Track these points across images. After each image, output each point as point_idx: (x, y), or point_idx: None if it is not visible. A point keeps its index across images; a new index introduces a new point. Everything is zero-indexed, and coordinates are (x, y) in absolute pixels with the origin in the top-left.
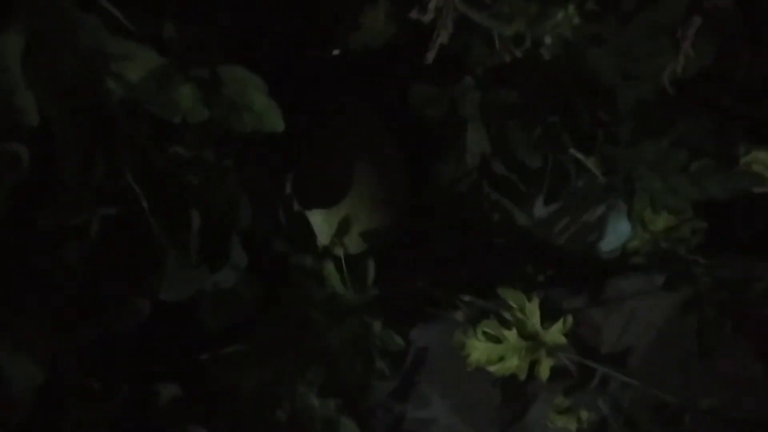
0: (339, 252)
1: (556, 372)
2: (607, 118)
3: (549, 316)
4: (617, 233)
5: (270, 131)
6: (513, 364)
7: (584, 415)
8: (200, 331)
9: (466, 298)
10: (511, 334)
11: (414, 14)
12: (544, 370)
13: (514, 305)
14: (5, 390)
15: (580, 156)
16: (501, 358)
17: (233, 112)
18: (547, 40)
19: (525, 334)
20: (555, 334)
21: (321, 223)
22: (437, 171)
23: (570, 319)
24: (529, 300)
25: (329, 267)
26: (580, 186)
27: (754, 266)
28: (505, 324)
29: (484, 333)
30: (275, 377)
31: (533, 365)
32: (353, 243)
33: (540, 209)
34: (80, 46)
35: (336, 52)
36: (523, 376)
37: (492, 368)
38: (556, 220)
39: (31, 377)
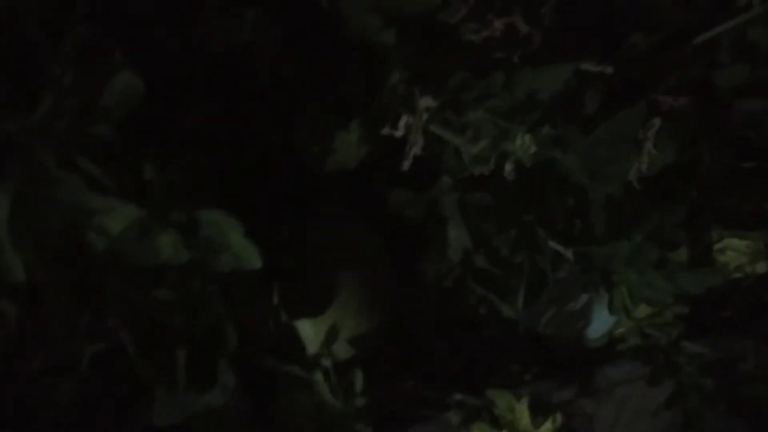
0: (326, 362)
1: None
2: (580, 214)
3: (539, 410)
4: (603, 319)
5: (248, 269)
6: None
7: None
8: None
9: (458, 396)
10: None
11: (386, 131)
12: None
13: (504, 407)
14: None
15: (559, 248)
16: None
17: (212, 254)
18: (508, 167)
19: None
20: (545, 430)
21: (309, 331)
22: (422, 269)
23: (559, 417)
24: (518, 400)
25: (317, 376)
26: (562, 276)
27: (739, 345)
28: (497, 424)
29: None
30: None
31: None
32: (341, 349)
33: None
34: (62, 204)
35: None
36: None
37: None
38: (542, 310)
39: None
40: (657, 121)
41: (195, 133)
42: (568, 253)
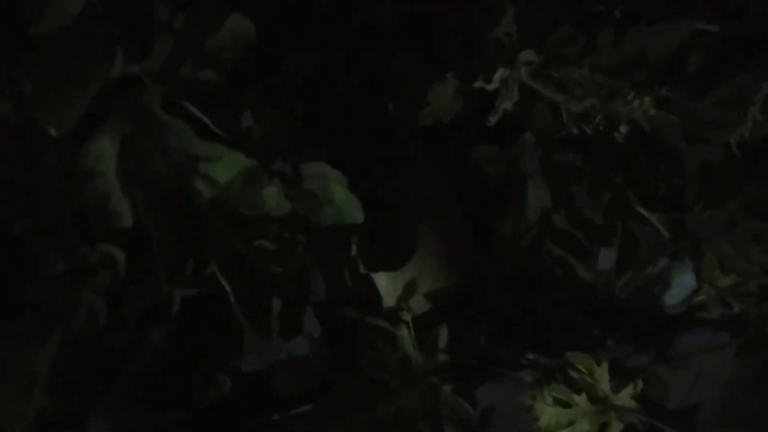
0: (407, 316)
1: (626, 429)
2: (673, 179)
3: (616, 374)
4: (682, 286)
5: (350, 223)
6: (583, 428)
7: None
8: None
9: (531, 356)
10: (581, 399)
11: (479, 84)
12: None
13: (583, 369)
14: None
15: (645, 213)
16: (571, 423)
17: (315, 206)
18: (623, 129)
19: (594, 399)
20: (625, 398)
21: (386, 285)
22: (499, 227)
23: (640, 383)
24: (598, 364)
25: (402, 331)
26: (647, 244)
27: None
28: (572, 385)
29: (553, 397)
30: None
31: (603, 427)
32: (418, 303)
33: (603, 263)
34: (169, 150)
35: None
36: None
37: (561, 430)
38: (621, 274)
39: None
40: (766, 86)
41: (292, 81)
42: (654, 218)
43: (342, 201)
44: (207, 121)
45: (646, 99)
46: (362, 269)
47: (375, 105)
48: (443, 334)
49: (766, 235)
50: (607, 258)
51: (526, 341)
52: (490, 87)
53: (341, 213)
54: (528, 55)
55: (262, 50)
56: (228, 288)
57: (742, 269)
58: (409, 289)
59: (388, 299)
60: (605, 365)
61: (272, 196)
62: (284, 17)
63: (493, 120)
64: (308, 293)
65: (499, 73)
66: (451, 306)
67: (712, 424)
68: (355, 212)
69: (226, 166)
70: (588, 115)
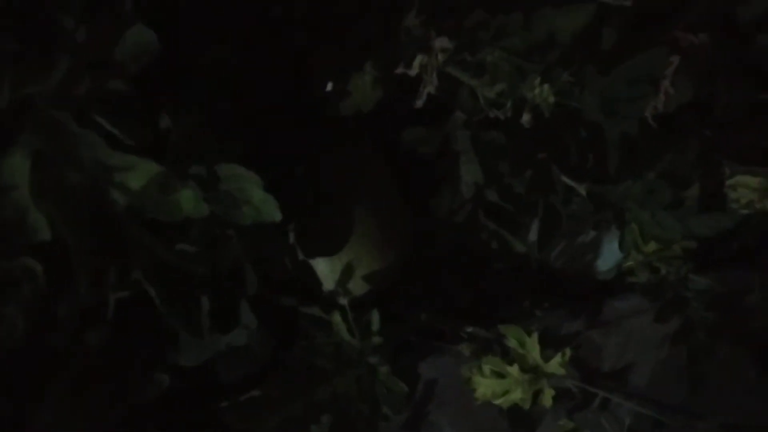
0: (343, 300)
1: (560, 394)
2: (594, 151)
3: (549, 342)
4: (612, 252)
5: (269, 222)
6: (517, 396)
7: None
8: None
9: (470, 329)
10: (513, 369)
11: (400, 70)
12: (546, 399)
13: (514, 341)
14: None
15: (572, 184)
16: (505, 392)
17: (233, 207)
18: (525, 116)
19: (526, 368)
20: (555, 366)
21: (325, 270)
22: (435, 204)
23: (568, 350)
24: (529, 335)
25: (336, 316)
26: (573, 210)
27: (746, 277)
28: (508, 356)
29: (488, 368)
30: (287, 424)
31: (537, 394)
32: (357, 286)
33: (536, 234)
34: (82, 162)
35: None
36: (527, 407)
37: (497, 401)
38: (553, 244)
39: None
40: (676, 59)
41: (209, 78)
42: (582, 190)
43: (259, 201)
44: (115, 132)
45: (546, 87)
46: (301, 256)
47: (300, 95)
48: (375, 318)
49: (681, 203)
50: (545, 233)
51: (466, 315)
52: (412, 73)
53: (259, 212)
54: (442, 42)
55: (178, 50)
56: (152, 293)
57: (660, 236)
58: (347, 273)
59: (328, 283)
60: (535, 335)
61: (188, 200)
62: (200, 15)
63: (419, 104)
64: (242, 287)
65: (418, 60)
66: (392, 285)
67: (643, 384)
68: (272, 211)
69: (139, 175)
70: (499, 101)
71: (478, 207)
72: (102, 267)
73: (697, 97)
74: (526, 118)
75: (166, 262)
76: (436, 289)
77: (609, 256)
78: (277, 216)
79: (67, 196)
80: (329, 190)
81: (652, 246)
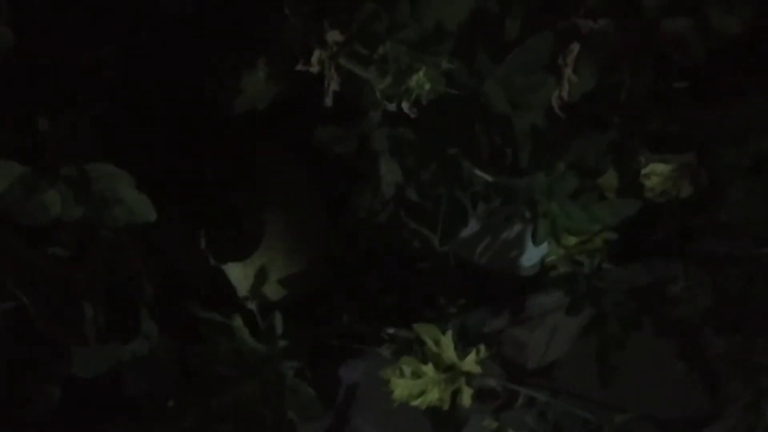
0: (252, 305)
1: (485, 393)
2: (505, 144)
3: (472, 340)
4: (537, 248)
5: (143, 222)
6: (434, 397)
7: None
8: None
9: (391, 330)
10: (429, 368)
11: (300, 67)
12: (465, 399)
13: (429, 340)
14: None
15: (487, 179)
16: (422, 392)
17: (104, 208)
18: (405, 105)
19: (442, 367)
20: (470, 363)
21: (238, 275)
22: (354, 205)
23: (483, 347)
24: (443, 333)
25: (237, 320)
26: (498, 205)
27: (669, 268)
28: (426, 357)
29: (405, 369)
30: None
31: (456, 394)
32: (273, 290)
33: (463, 232)
34: None
35: None
36: (446, 407)
37: (415, 402)
38: (478, 241)
39: None
40: (576, 46)
41: (92, 79)
42: (496, 183)
43: (132, 201)
44: None
45: (421, 74)
46: (211, 266)
47: (196, 96)
48: (278, 321)
49: (584, 193)
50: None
51: (387, 316)
52: (312, 69)
53: (132, 213)
54: (334, 35)
55: (60, 48)
56: (25, 301)
57: (570, 227)
58: (260, 277)
59: (242, 289)
60: (449, 333)
61: (55, 202)
62: (84, 13)
63: (329, 102)
64: (140, 295)
65: (316, 55)
66: (311, 289)
67: (568, 379)
68: (146, 211)
69: (3, 177)
70: (390, 92)
71: (399, 206)
72: None
73: (604, 86)
74: (405, 106)
75: (38, 268)
76: (358, 291)
77: (533, 252)
78: (151, 216)
79: None
80: (239, 193)
81: (572, 239)
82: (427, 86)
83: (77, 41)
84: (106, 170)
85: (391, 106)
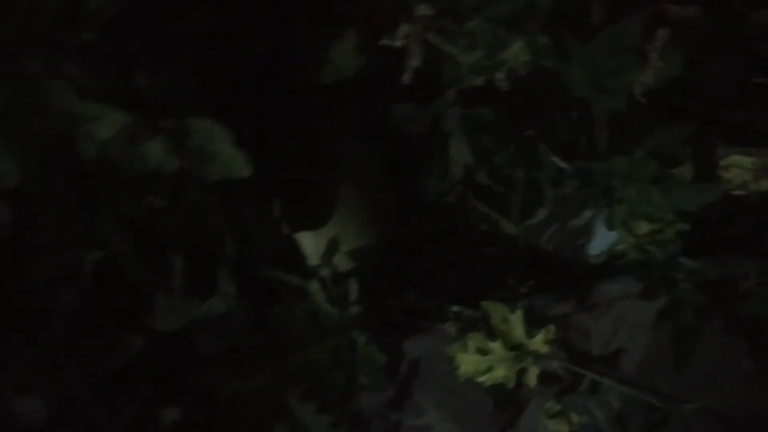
0: (325, 273)
1: (548, 377)
2: (583, 129)
3: (537, 323)
4: (605, 236)
5: (237, 178)
6: (500, 374)
7: (575, 418)
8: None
9: (455, 308)
10: (497, 346)
11: (385, 41)
12: (531, 378)
13: (498, 318)
14: (13, 427)
15: (561, 164)
16: (488, 369)
17: (201, 162)
18: (499, 75)
19: (510, 345)
20: (538, 343)
21: (310, 244)
22: (424, 185)
23: (552, 328)
24: (513, 312)
25: (313, 285)
26: (566, 192)
27: (742, 264)
28: (493, 335)
29: (472, 345)
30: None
31: (522, 373)
32: (342, 262)
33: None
34: (52, 111)
35: None
36: (511, 385)
37: (480, 379)
38: (546, 227)
39: (35, 413)
40: (664, 32)
41: (191, 41)
42: (569, 167)
43: (227, 156)
44: (84, 82)
45: (520, 44)
46: (284, 233)
47: (287, 65)
48: (353, 287)
49: (667, 178)
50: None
51: (451, 295)
52: (396, 44)
53: (228, 168)
54: (423, 9)
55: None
56: (120, 249)
57: (648, 213)
58: (331, 248)
59: (312, 258)
60: (519, 312)
61: (157, 152)
62: None
63: (407, 78)
64: (221, 254)
65: (402, 29)
66: (377, 262)
67: (633, 369)
68: (240, 167)
69: (108, 124)
70: (479, 66)
71: (468, 189)
72: (70, 220)
73: (688, 75)
74: (499, 77)
75: (136, 219)
76: (423, 269)
77: (601, 241)
78: (245, 172)
79: (35, 144)
80: (315, 165)
81: (644, 228)
82: (526, 57)
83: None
84: (205, 125)
85: (480, 79)
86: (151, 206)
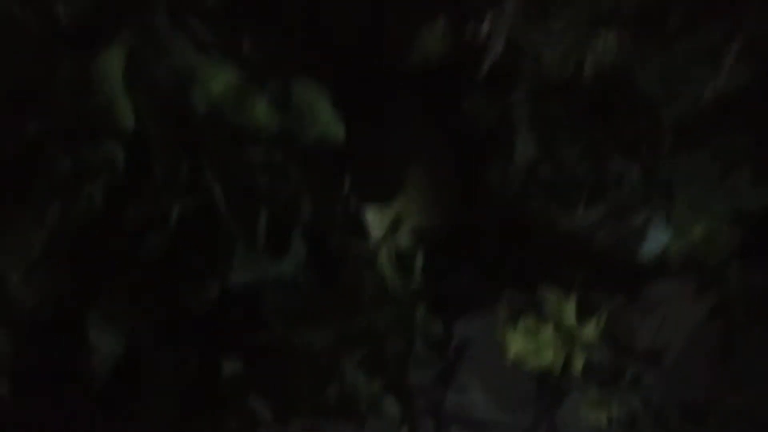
0: (390, 246)
1: (591, 368)
2: (649, 130)
3: (587, 315)
4: (658, 239)
5: (333, 141)
6: (548, 357)
7: (615, 409)
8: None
9: (510, 293)
10: (547, 328)
11: (469, 34)
12: (577, 365)
13: (552, 301)
14: (89, 358)
15: (625, 163)
16: (537, 352)
17: (301, 122)
18: (587, 68)
19: (560, 329)
20: (589, 330)
21: (374, 219)
22: (488, 175)
23: (604, 317)
24: (567, 297)
25: (383, 254)
26: (624, 193)
27: None
28: (543, 320)
29: (523, 328)
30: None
31: (568, 361)
32: (404, 239)
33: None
34: (171, 62)
35: None
36: (557, 370)
37: (528, 360)
38: (603, 225)
39: (113, 348)
40: (738, 42)
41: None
42: (634, 168)
43: (327, 118)
44: (204, 37)
45: (611, 36)
46: (352, 205)
47: (373, 44)
48: (419, 260)
49: (729, 178)
50: (594, 212)
51: (506, 280)
52: (482, 32)
53: (326, 131)
54: (513, 1)
55: None
56: (217, 194)
57: (708, 212)
58: (396, 224)
59: (375, 233)
60: (573, 297)
61: (262, 109)
62: None
63: (485, 69)
64: (297, 214)
65: (488, 20)
66: (436, 243)
67: (675, 367)
68: (338, 132)
69: (221, 80)
70: (564, 61)
71: (531, 181)
72: (178, 162)
73: (757, 83)
74: (588, 70)
75: (235, 169)
76: (481, 254)
77: (654, 243)
78: (342, 137)
79: (154, 91)
80: (386, 145)
81: (697, 232)
82: (605, 57)
83: None
84: (308, 87)
85: (557, 76)
86: (249, 163)
